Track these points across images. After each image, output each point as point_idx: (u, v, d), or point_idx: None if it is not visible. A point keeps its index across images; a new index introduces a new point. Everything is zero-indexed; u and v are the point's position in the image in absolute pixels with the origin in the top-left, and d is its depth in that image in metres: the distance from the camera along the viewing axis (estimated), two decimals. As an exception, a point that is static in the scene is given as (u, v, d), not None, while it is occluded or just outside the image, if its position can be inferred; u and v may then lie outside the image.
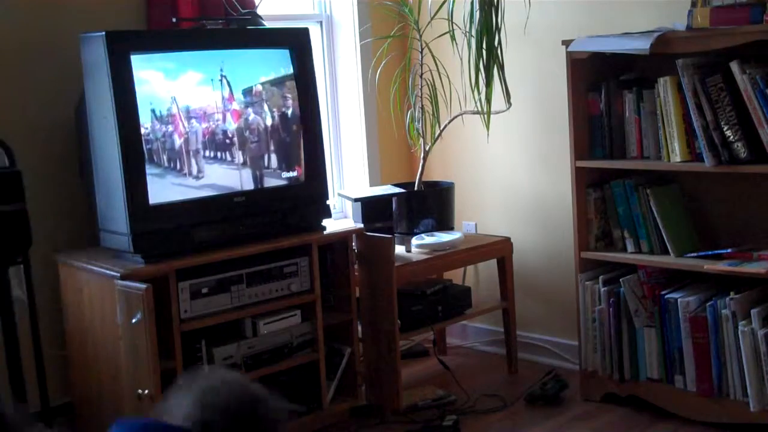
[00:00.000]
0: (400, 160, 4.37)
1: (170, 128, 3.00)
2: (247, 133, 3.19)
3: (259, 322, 3.16)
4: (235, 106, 3.16)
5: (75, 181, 3.27)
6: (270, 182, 3.25)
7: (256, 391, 1.45)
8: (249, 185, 3.20)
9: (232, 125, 3.14)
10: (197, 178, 3.07)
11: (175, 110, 3.01)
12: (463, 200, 4.13)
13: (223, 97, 3.13)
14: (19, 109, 3.21)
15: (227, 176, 3.13)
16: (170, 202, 3.01)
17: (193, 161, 3.05)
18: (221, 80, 3.13)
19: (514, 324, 3.94)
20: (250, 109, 3.20)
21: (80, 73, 3.01)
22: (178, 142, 3.02)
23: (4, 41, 3.17)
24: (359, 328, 3.50)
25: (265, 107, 3.24)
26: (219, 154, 3.12)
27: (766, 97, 2.96)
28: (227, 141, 3.13)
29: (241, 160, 3.18)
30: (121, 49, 2.89)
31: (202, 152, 3.07)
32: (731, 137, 3.06)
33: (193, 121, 3.05)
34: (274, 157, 3.26)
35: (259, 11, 3.58)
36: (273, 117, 3.26)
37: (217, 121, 3.11)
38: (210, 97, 3.11)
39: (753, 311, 3.05)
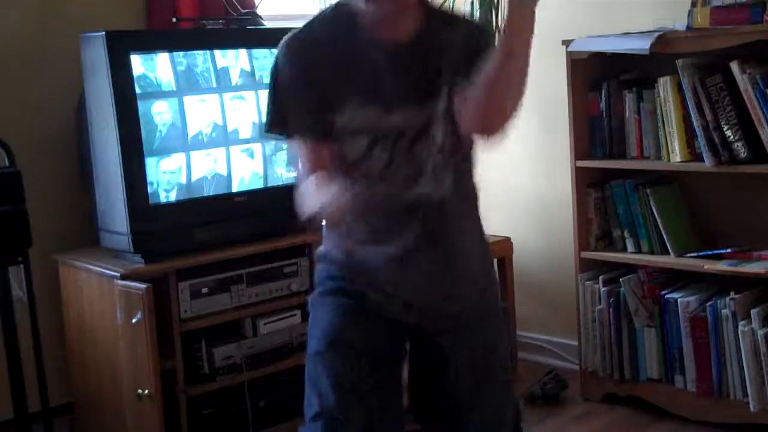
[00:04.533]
0: (400, 160, 4.36)
1: (170, 128, 3.00)
2: (247, 133, 3.19)
3: (259, 322, 3.16)
4: (236, 106, 3.16)
5: (75, 181, 3.27)
6: (270, 182, 3.25)
7: None
8: (249, 185, 3.19)
9: (231, 125, 3.14)
10: (197, 177, 3.07)
11: (174, 110, 3.01)
12: (463, 200, 4.12)
13: (222, 97, 3.13)
14: (19, 109, 3.21)
15: (227, 176, 3.13)
16: (170, 202, 3.01)
17: (193, 161, 3.05)
18: (221, 80, 3.14)
19: (514, 324, 3.94)
20: (250, 109, 3.20)
21: (80, 73, 3.01)
22: (178, 142, 3.02)
23: (4, 41, 3.17)
24: (359, 328, 3.49)
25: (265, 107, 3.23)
26: (219, 153, 3.12)
27: (766, 97, 2.96)
28: (227, 141, 3.13)
29: (242, 160, 3.17)
30: (121, 49, 2.89)
31: (202, 152, 3.07)
32: (731, 137, 3.06)
33: (193, 121, 3.05)
34: (274, 157, 3.26)
35: (259, 11, 3.58)
36: (273, 117, 3.25)
37: (218, 121, 3.11)
38: (210, 97, 3.11)
39: (753, 311, 3.05)
